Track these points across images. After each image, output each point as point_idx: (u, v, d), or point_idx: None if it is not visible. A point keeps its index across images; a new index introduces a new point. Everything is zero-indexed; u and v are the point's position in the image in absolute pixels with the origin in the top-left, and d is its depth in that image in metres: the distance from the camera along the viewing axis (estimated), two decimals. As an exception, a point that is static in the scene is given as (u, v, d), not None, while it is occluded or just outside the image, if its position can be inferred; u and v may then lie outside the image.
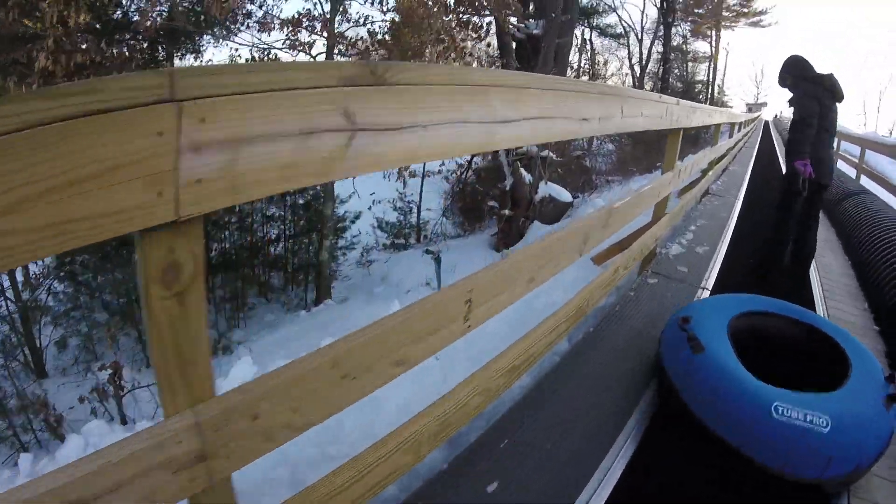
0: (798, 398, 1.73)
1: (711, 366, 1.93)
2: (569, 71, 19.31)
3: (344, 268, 12.80)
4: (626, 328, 2.87)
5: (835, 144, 5.16)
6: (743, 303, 2.39)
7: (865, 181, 8.59)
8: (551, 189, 9.67)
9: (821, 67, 3.83)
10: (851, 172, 9.49)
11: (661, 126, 3.10)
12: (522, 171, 9.56)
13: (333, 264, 12.32)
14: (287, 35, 9.09)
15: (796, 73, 3.82)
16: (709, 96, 28.74)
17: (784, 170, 4.12)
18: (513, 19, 10.13)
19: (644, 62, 23.67)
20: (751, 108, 31.19)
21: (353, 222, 12.57)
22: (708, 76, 28.44)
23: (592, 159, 20.75)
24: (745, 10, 30.39)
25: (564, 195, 9.69)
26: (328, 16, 9.47)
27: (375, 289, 11.19)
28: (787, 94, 3.91)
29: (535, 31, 10.02)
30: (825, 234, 5.50)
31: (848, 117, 38.68)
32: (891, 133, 36.00)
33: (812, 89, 3.66)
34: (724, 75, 34.54)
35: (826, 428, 1.66)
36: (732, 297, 2.50)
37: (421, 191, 12.94)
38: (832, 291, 3.92)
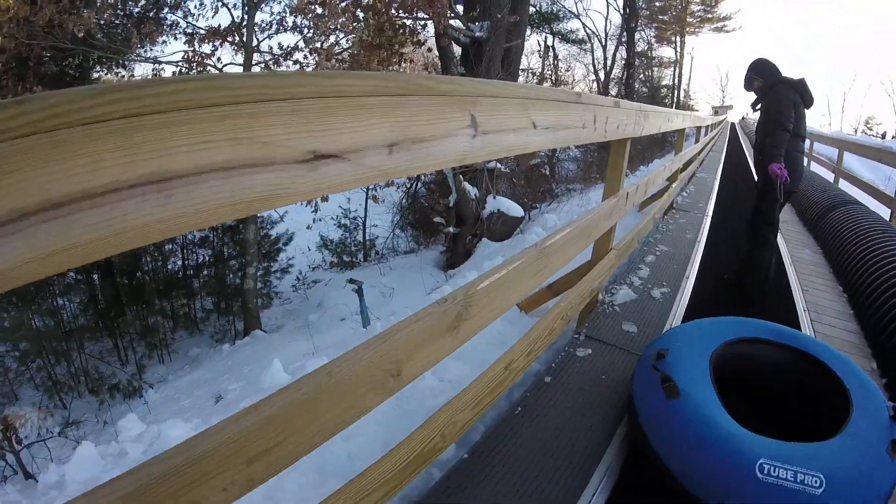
0: (788, 452, 1.47)
1: (689, 414, 1.62)
2: (531, 77, 18.19)
3: (285, 290, 11.80)
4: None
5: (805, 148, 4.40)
6: (729, 329, 2.03)
7: (844, 185, 8.00)
8: (500, 203, 8.41)
9: (787, 71, 3.67)
10: (828, 176, 8.95)
11: (581, 140, 1.92)
12: (466, 185, 8.29)
13: (267, 290, 11.06)
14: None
15: (767, 76, 3.65)
16: (675, 100, 27.94)
17: (756, 177, 3.86)
18: (456, 22, 8.89)
19: (609, 68, 22.67)
20: (717, 110, 30.60)
21: (286, 244, 11.29)
22: (673, 80, 27.61)
23: (560, 166, 19.70)
24: (710, 15, 30.15)
25: (515, 209, 8.43)
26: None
27: (311, 315, 10.17)
28: (752, 97, 3.83)
29: (478, 35, 8.74)
30: (811, 255, 4.96)
31: (811, 117, 38.21)
32: (856, 132, 35.71)
33: (789, 93, 3.50)
34: (689, 80, 34.04)
35: (819, 488, 1.41)
36: (717, 321, 2.10)
37: (366, 205, 11.61)
38: (819, 312, 3.46)
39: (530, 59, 19.14)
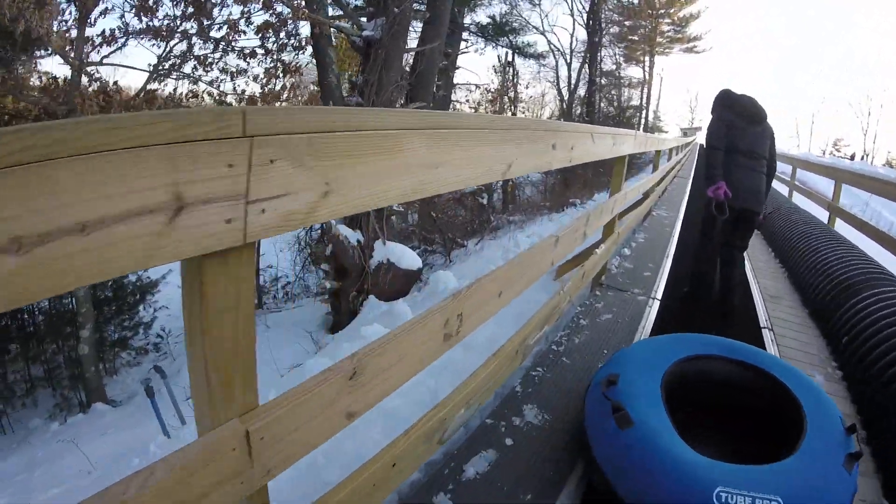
0: (745, 476, 1.37)
1: (642, 443, 1.49)
2: (485, 94, 15.76)
3: (160, 344, 9.29)
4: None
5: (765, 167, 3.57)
6: (679, 346, 1.88)
7: (798, 199, 8.26)
8: (391, 251, 5.93)
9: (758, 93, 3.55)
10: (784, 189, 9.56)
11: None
12: (341, 228, 5.75)
13: (115, 350, 8.61)
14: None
15: (718, 104, 3.54)
16: (643, 122, 25.79)
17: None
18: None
19: (573, 86, 20.39)
20: (686, 132, 28.50)
21: (148, 294, 8.82)
22: (641, 101, 25.44)
23: (520, 190, 17.27)
24: (679, 35, 28.20)
25: (408, 259, 5.97)
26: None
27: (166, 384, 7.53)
28: None
29: (367, 34, 6.27)
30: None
31: (780, 139, 36.61)
32: (823, 153, 34.05)
33: (720, 114, 3.46)
34: (658, 101, 32.05)
35: None
36: (670, 339, 1.96)
37: (258, 246, 9.02)
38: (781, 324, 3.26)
39: (483, 75, 16.80)
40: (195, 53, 7.46)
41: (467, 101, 15.07)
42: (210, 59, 7.67)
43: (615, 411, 1.56)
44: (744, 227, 3.47)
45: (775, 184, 11.47)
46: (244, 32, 7.06)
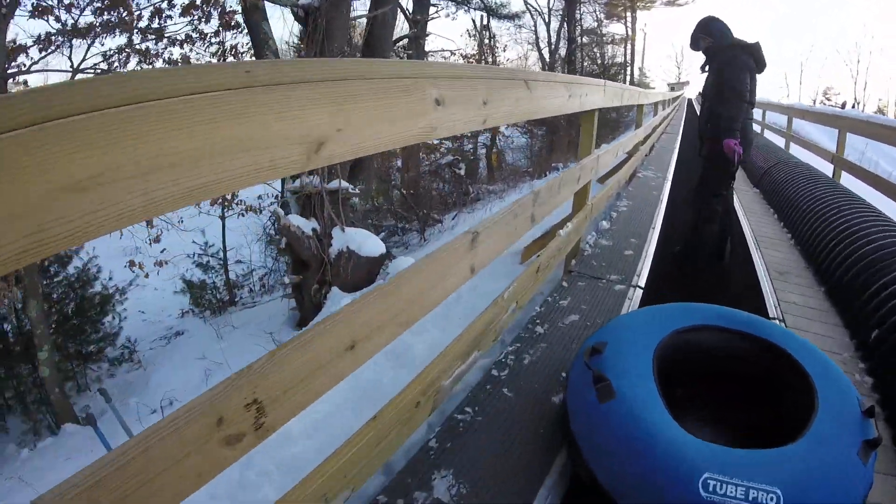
0: (739, 461, 1.15)
1: (623, 419, 1.28)
2: (459, 60, 14.79)
3: (139, 350, 8.63)
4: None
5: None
6: (677, 315, 1.62)
7: (795, 149, 7.61)
8: (350, 239, 5.26)
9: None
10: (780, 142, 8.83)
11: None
12: (292, 218, 5.09)
13: (82, 367, 8.05)
14: None
15: (717, 36, 3.14)
16: (629, 78, 24.77)
17: (705, 147, 3.27)
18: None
19: (554, 46, 19.36)
20: (673, 87, 27.50)
21: (113, 303, 8.22)
22: (625, 58, 24.38)
23: (503, 157, 16.47)
24: (661, -12, 26.86)
25: (370, 246, 5.32)
26: None
27: (132, 399, 7.00)
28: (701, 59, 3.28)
29: (305, 2, 5.47)
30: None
31: (769, 89, 35.63)
32: (813, 103, 33.09)
33: (744, 59, 3.03)
34: (643, 57, 30.84)
35: None
36: (664, 308, 1.68)
37: (223, 235, 8.43)
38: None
39: (460, 41, 15.78)
40: (134, 47, 6.69)
41: (443, 69, 14.11)
42: (154, 51, 6.90)
43: (596, 381, 1.37)
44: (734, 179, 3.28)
45: (770, 135, 10.80)
46: (170, 17, 6.25)
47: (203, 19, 6.25)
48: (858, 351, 2.25)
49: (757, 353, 1.54)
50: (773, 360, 1.50)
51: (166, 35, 6.59)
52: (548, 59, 19.18)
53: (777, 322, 2.51)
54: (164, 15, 6.19)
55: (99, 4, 6.05)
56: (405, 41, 12.62)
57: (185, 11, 6.16)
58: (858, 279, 2.58)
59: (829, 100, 36.41)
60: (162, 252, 8.59)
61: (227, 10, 6.22)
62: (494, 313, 1.68)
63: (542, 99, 1.72)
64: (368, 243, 5.36)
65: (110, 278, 9.09)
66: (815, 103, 33.63)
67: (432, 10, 13.38)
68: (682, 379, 1.56)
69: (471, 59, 13.83)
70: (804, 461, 1.15)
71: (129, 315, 9.39)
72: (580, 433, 1.38)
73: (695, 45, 3.26)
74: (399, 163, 10.73)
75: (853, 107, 31.66)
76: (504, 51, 16.55)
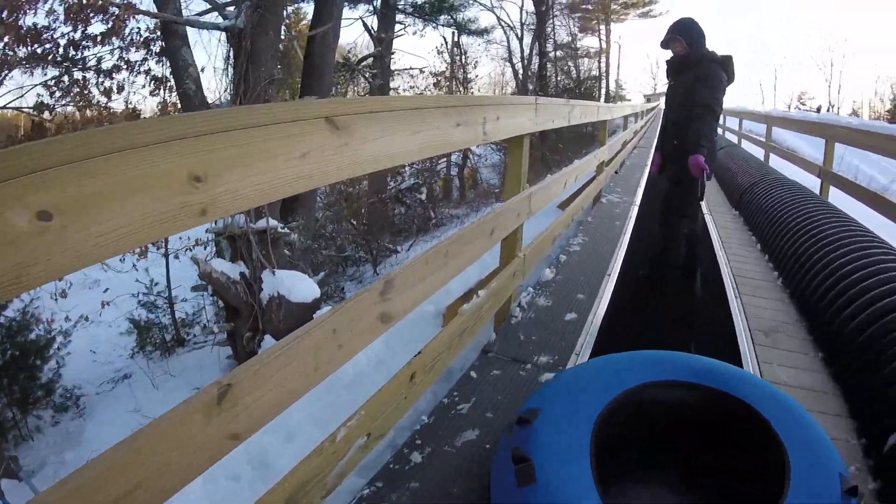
0: None
1: None
2: (429, 78, 14.24)
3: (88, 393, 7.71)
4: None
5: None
6: (628, 368, 1.31)
7: (776, 161, 7.13)
8: (280, 282, 4.58)
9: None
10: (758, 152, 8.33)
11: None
12: (214, 265, 4.44)
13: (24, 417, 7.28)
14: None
15: (695, 44, 2.90)
16: (605, 92, 24.48)
17: (669, 166, 3.11)
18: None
19: (527, 61, 18.90)
20: (649, 98, 27.23)
21: (52, 348, 7.54)
22: (599, 71, 24.08)
23: (478, 176, 15.89)
24: (634, 1, 26.68)
25: (301, 290, 4.70)
26: None
27: (69, 453, 6.26)
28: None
29: (225, 24, 4.87)
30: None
31: (746, 97, 35.59)
32: (788, 108, 33.09)
33: (721, 75, 2.87)
34: (618, 70, 30.67)
35: None
36: (613, 360, 1.38)
37: (167, 272, 7.77)
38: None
39: (431, 58, 15.24)
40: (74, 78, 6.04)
41: (412, 87, 13.57)
42: (89, 82, 6.25)
43: (516, 462, 1.10)
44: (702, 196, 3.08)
45: (748, 146, 10.29)
46: (87, 48, 5.58)
47: (124, 49, 5.59)
48: (868, 457, 1.63)
49: (723, 409, 1.27)
50: (739, 417, 1.24)
51: (89, 67, 5.93)
52: (520, 75, 18.72)
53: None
54: (80, 46, 5.53)
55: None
56: (370, 60, 12.08)
57: (104, 40, 5.49)
58: (873, 351, 1.95)
59: (803, 104, 36.47)
60: (105, 292, 7.98)
61: (145, 37, 5.55)
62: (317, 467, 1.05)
63: (372, 142, 1.08)
64: (300, 287, 4.70)
65: (52, 320, 8.42)
66: (790, 108, 33.64)
67: (398, 27, 12.87)
68: (634, 441, 1.34)
69: (440, 77, 13.29)
70: None
71: (80, 354, 8.74)
72: None
73: (666, 45, 3.00)
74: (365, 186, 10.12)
75: (828, 110, 31.72)
76: (475, 67, 16.02)
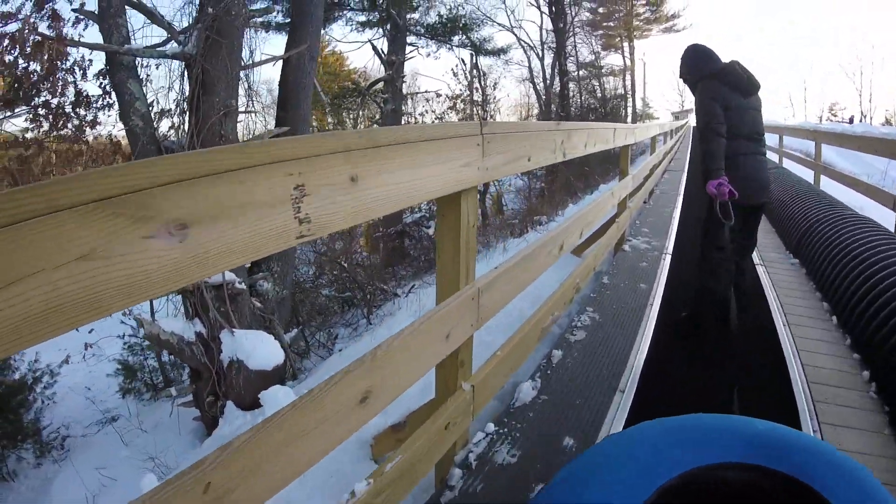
0: None
1: None
2: (430, 102, 13.60)
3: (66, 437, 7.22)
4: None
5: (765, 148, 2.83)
6: (679, 443, 0.96)
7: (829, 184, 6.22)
8: (240, 345, 3.83)
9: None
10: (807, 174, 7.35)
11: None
12: (162, 325, 3.82)
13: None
14: None
15: (692, 69, 2.86)
16: (632, 110, 23.48)
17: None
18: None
19: (549, 81, 18.13)
20: (677, 116, 26.02)
21: (37, 387, 7.18)
22: (624, 88, 23.11)
23: (502, 203, 15.05)
24: (656, 15, 25.88)
25: (262, 355, 3.98)
26: None
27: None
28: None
29: (175, 50, 4.28)
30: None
31: (775, 110, 34.01)
32: (820, 120, 31.49)
33: (711, 88, 2.69)
34: (644, 87, 29.59)
35: None
36: (663, 429, 0.99)
37: (152, 313, 7.17)
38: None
39: (452, 80, 14.56)
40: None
41: (431, 111, 12.90)
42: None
43: None
44: (752, 224, 2.90)
45: (792, 165, 9.29)
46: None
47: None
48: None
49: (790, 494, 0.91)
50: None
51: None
52: (543, 95, 17.94)
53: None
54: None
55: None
56: (381, 84, 11.49)
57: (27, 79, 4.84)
58: None
59: (835, 115, 35.01)
60: (90, 332, 7.46)
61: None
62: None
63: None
64: (260, 351, 3.93)
65: (36, 360, 7.99)
66: (821, 120, 31.99)
67: (410, 49, 12.28)
68: None
69: (456, 101, 12.60)
70: None
71: (77, 390, 8.32)
72: None
73: (682, 76, 2.95)
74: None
75: (860, 120, 30.00)
76: (494, 88, 15.28)
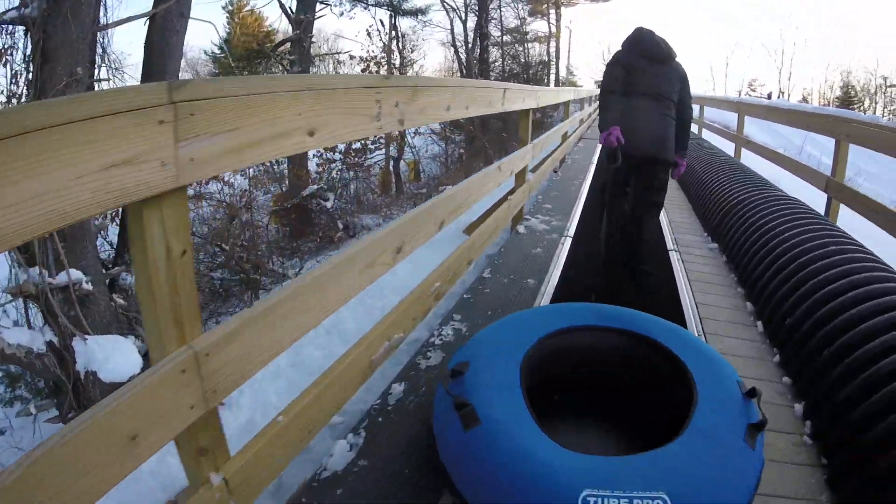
0: (620, 470, 1.04)
1: (491, 444, 1.13)
2: (342, 64, 12.90)
3: None
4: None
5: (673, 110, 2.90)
6: (546, 320, 1.50)
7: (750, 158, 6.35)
8: (93, 354, 3.40)
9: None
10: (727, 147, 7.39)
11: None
12: (6, 336, 3.37)
13: None
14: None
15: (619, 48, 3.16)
16: (555, 77, 23.53)
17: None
18: None
19: (471, 45, 17.69)
20: (599, 84, 26.37)
21: None
22: (548, 55, 23.07)
23: (422, 167, 14.70)
24: (584, -17, 25.66)
25: (117, 363, 3.53)
26: None
27: None
28: None
29: (13, 14, 3.59)
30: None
31: (696, 83, 35.46)
32: (739, 94, 33.13)
33: (617, 55, 3.02)
34: (569, 55, 29.72)
35: None
36: (526, 315, 1.57)
37: (27, 317, 6.34)
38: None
39: (366, 42, 13.77)
40: None
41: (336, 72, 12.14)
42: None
43: (459, 408, 1.20)
44: (649, 179, 3.00)
45: (711, 137, 9.38)
46: None
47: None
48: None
49: (630, 347, 1.45)
50: (647, 352, 1.41)
51: None
52: (464, 60, 17.50)
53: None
54: None
55: None
56: (287, 45, 10.65)
57: None
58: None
59: (753, 90, 36.87)
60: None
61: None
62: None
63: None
64: (114, 360, 3.48)
65: None
66: (740, 94, 33.65)
67: (321, 7, 11.42)
68: (558, 385, 1.46)
69: (369, 63, 11.94)
70: (688, 457, 1.06)
71: None
72: (450, 463, 1.22)
73: None
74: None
75: (778, 97, 31.94)
76: (412, 51, 14.70)
